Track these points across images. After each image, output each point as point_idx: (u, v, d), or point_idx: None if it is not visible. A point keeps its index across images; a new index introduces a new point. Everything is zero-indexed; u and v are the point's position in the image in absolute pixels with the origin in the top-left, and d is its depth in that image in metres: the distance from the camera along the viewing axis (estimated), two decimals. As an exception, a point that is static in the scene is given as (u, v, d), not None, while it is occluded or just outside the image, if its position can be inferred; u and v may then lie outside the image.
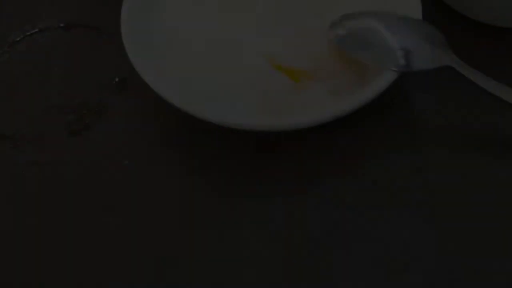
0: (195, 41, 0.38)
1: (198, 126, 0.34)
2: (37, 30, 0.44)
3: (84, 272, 0.33)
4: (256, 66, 0.36)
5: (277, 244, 0.33)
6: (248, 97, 0.35)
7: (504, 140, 0.37)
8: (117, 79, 0.41)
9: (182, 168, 0.36)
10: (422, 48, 0.34)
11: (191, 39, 0.38)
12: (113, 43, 0.39)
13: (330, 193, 0.34)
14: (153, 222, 0.34)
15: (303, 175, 0.35)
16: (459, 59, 0.34)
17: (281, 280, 0.32)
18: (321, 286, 0.31)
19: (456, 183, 0.35)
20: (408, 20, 0.35)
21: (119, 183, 0.36)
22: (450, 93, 0.38)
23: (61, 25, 0.45)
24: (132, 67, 0.35)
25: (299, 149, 0.36)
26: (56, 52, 0.43)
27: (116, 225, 0.34)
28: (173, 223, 0.34)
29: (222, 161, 0.36)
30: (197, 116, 0.32)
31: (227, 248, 0.33)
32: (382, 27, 0.35)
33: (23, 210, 0.35)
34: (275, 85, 0.35)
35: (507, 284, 0.31)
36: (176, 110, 0.34)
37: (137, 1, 0.38)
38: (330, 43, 0.35)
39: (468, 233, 0.33)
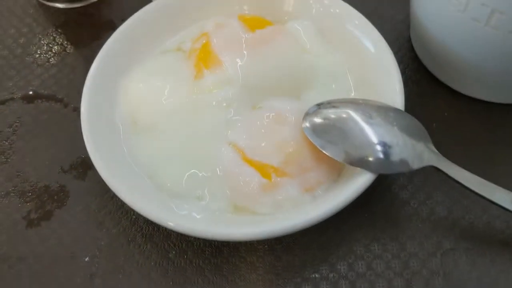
0: (161, 128, 0.35)
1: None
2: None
3: None
4: (225, 161, 0.33)
5: None
6: (215, 197, 0.32)
7: (486, 234, 0.35)
8: (80, 159, 0.38)
9: (143, 267, 0.34)
10: (402, 142, 0.32)
11: (155, 124, 0.35)
12: (78, 117, 0.36)
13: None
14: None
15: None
16: (441, 155, 0.32)
17: None
18: None
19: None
20: (387, 111, 0.33)
21: (79, 281, 0.34)
22: (435, 184, 0.36)
23: (26, 95, 0.42)
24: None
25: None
26: (19, 126, 0.41)
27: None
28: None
29: (184, 260, 0.34)
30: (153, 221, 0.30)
31: None
32: (361, 118, 0.32)
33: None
34: (246, 184, 0.32)
35: None
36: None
37: (103, 78, 0.36)
38: (303, 136, 0.32)
39: None
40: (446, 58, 0.38)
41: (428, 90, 0.41)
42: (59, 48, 0.45)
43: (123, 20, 0.46)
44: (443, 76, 0.40)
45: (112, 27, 0.46)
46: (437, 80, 0.41)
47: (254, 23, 0.38)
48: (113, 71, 0.37)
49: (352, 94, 0.37)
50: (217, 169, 0.33)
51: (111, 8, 0.47)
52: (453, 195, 0.36)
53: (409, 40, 0.43)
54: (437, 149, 0.35)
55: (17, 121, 0.41)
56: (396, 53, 0.43)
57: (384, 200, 0.36)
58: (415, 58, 0.42)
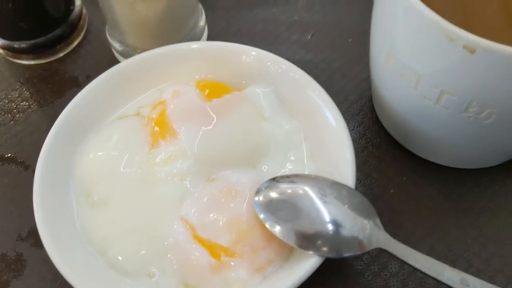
0: (114, 202, 0.35)
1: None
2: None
3: None
4: (176, 238, 0.33)
5: None
6: (166, 274, 0.33)
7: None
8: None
9: None
10: (353, 222, 0.32)
11: (109, 198, 0.35)
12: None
13: None
14: None
15: None
16: (388, 235, 0.32)
17: None
18: None
19: None
20: (341, 188, 0.33)
21: None
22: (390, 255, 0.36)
23: (-14, 156, 0.42)
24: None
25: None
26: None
27: None
28: None
29: None
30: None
31: None
32: (316, 196, 0.32)
33: None
34: (196, 263, 0.32)
35: None
36: None
37: (58, 149, 0.36)
38: (255, 213, 0.32)
39: None
40: (403, 126, 0.38)
41: (387, 153, 0.41)
42: (23, 106, 0.45)
43: (87, 76, 0.46)
44: (402, 140, 0.40)
45: (76, 83, 0.46)
46: (396, 143, 0.41)
47: (212, 90, 0.39)
48: (71, 139, 0.37)
49: (307, 164, 0.37)
50: (169, 246, 0.33)
51: (76, 64, 0.47)
52: (408, 267, 0.36)
53: (371, 100, 0.43)
54: (392, 216, 0.35)
55: (-24, 184, 0.41)
56: (358, 114, 0.43)
57: (339, 271, 0.36)
58: (376, 119, 0.43)
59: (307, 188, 0.33)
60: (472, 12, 0.31)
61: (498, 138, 0.34)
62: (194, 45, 0.40)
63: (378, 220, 0.32)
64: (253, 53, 0.39)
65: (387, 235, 0.32)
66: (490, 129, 0.32)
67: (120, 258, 0.33)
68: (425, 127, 0.36)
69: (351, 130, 0.42)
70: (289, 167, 0.37)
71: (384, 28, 0.34)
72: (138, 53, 0.42)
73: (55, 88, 0.46)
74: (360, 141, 0.42)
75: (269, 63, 0.39)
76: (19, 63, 0.47)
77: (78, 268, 0.31)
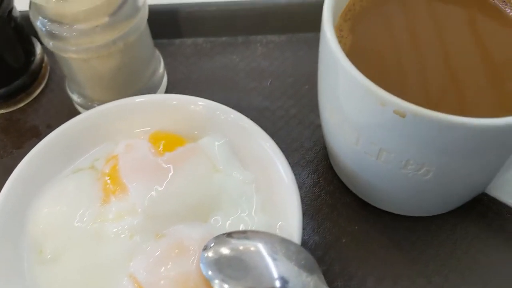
0: (65, 258, 0.35)
1: None
2: None
3: None
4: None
5: None
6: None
7: None
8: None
9: None
10: (298, 278, 0.32)
11: (60, 254, 0.35)
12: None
13: None
14: None
15: None
16: (326, 285, 0.32)
17: None
18: None
19: None
20: (289, 245, 0.33)
21: None
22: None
23: None
24: None
25: None
26: None
27: None
28: None
29: None
30: None
31: None
32: (266, 252, 0.33)
33: None
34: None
35: None
36: None
37: (11, 204, 0.36)
38: (201, 272, 0.33)
39: None
40: (353, 176, 0.39)
41: (340, 201, 0.42)
42: (-18, 157, 0.45)
43: (48, 126, 0.47)
44: (353, 188, 0.41)
45: (36, 133, 0.47)
46: (349, 191, 0.42)
47: (165, 143, 0.39)
48: (25, 194, 0.37)
49: (258, 216, 0.37)
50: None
51: (37, 113, 0.48)
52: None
53: (325, 147, 0.44)
54: (344, 265, 0.36)
55: None
56: (312, 160, 0.44)
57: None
58: (330, 166, 0.43)
59: (259, 245, 0.34)
60: (407, 78, 0.32)
61: (440, 192, 0.35)
62: (142, 98, 0.40)
63: (321, 275, 0.33)
64: (201, 103, 0.40)
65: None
66: (430, 184, 0.33)
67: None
68: (371, 179, 0.37)
69: (306, 177, 0.43)
70: (241, 219, 0.37)
71: (327, 86, 0.35)
72: (97, 104, 0.43)
73: (15, 138, 0.46)
74: (314, 189, 0.42)
75: (218, 112, 0.40)
76: (-20, 113, 0.48)
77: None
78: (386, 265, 0.38)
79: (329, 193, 0.42)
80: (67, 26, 0.38)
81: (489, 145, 0.29)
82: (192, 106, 0.40)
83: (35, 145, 0.39)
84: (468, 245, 0.39)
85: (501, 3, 0.36)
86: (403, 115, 0.28)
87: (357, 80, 0.30)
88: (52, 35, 0.39)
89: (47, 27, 0.39)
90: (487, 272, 0.38)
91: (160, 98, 0.41)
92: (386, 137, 0.31)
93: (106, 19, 0.38)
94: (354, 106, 0.32)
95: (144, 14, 0.41)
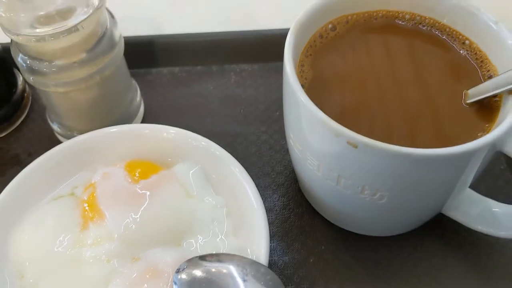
0: (46, 283, 0.37)
1: None
2: None
3: None
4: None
5: None
6: None
7: None
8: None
9: None
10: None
11: (41, 279, 0.37)
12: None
13: None
14: None
15: None
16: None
17: None
18: None
19: None
20: (259, 267, 0.36)
21: None
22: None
23: None
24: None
25: None
26: None
27: None
28: None
29: None
30: None
31: None
32: (237, 274, 0.35)
33: None
34: None
35: None
36: None
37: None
38: (174, 292, 0.35)
39: None
40: (318, 199, 0.41)
41: (308, 222, 0.44)
42: (-36, 185, 0.47)
43: (29, 154, 0.49)
44: (319, 210, 0.44)
45: (18, 162, 0.48)
46: (316, 212, 0.44)
47: (140, 171, 0.41)
48: (6, 221, 0.39)
49: (229, 239, 0.40)
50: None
51: (18, 142, 0.50)
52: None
53: (294, 171, 0.47)
54: (311, 283, 0.38)
55: None
56: (283, 184, 0.46)
57: None
58: (298, 189, 0.46)
59: (230, 267, 0.36)
60: (361, 111, 0.35)
61: (397, 214, 0.37)
62: (116, 129, 0.43)
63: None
64: (172, 132, 0.42)
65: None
66: (386, 207, 0.36)
67: None
68: (334, 203, 0.39)
69: (276, 200, 0.45)
70: (213, 243, 0.39)
71: (290, 117, 0.37)
72: (76, 133, 0.45)
73: (-3, 166, 0.48)
74: (284, 211, 0.45)
75: (189, 140, 0.42)
76: (-37, 142, 0.50)
77: None
78: (351, 283, 0.41)
79: (298, 215, 0.44)
80: (47, 62, 0.40)
81: (435, 172, 0.32)
82: (165, 134, 0.42)
83: (17, 173, 0.41)
84: (428, 263, 0.42)
85: (449, 38, 0.39)
86: (355, 146, 0.31)
87: (314, 113, 0.32)
88: (32, 71, 0.41)
89: (28, 63, 0.41)
90: (447, 288, 0.40)
91: (133, 128, 0.43)
92: (342, 166, 0.34)
93: (83, 55, 0.41)
94: (313, 136, 0.34)
95: (120, 49, 0.43)
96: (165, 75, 0.54)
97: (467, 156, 0.32)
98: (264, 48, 0.55)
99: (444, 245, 0.42)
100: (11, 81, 0.49)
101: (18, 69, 0.49)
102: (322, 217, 0.44)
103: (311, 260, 0.42)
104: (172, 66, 0.55)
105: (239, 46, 0.55)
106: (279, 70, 0.54)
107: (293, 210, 0.45)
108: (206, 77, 0.54)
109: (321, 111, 0.32)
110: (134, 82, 0.49)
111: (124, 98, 0.47)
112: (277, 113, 0.51)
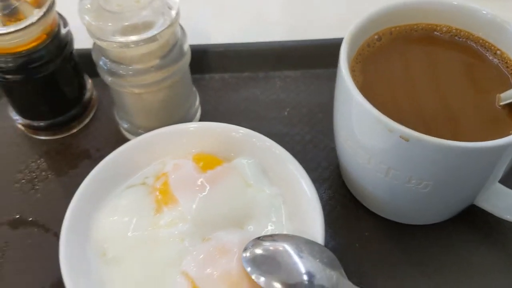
0: (126, 260, 0.42)
1: None
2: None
3: None
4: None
5: None
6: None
7: None
8: (57, 280, 0.45)
9: None
10: (322, 273, 0.39)
11: (122, 256, 0.42)
12: (58, 242, 0.43)
13: None
14: None
15: None
16: (352, 283, 0.39)
17: None
18: None
19: None
20: (313, 245, 0.41)
21: None
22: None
23: (12, 220, 0.49)
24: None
25: None
26: (6, 250, 0.47)
27: None
28: None
29: None
30: None
31: None
32: (293, 251, 0.40)
33: None
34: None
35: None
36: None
37: (79, 215, 0.43)
38: (242, 268, 0.40)
39: None
40: (363, 191, 0.46)
41: (353, 212, 0.49)
42: (42, 176, 0.52)
43: (97, 150, 0.54)
44: (363, 201, 0.49)
45: (88, 156, 0.54)
46: (360, 204, 0.49)
47: (206, 163, 0.47)
48: (88, 208, 0.44)
49: (286, 224, 0.45)
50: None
51: (87, 138, 0.55)
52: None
53: (338, 166, 0.52)
54: (357, 266, 0.42)
55: (5, 245, 0.48)
56: (328, 178, 0.51)
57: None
58: (343, 183, 0.51)
59: (287, 246, 0.41)
60: (409, 110, 0.40)
61: (436, 202, 0.42)
62: (193, 125, 0.48)
63: (342, 271, 0.40)
64: (241, 131, 0.47)
65: (349, 283, 0.39)
66: (428, 196, 0.41)
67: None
68: (380, 193, 0.44)
69: (323, 192, 0.50)
70: (271, 227, 0.44)
71: (342, 116, 0.43)
72: (142, 130, 0.50)
73: (70, 160, 0.53)
74: (330, 202, 0.50)
75: (254, 140, 0.47)
76: (37, 139, 0.55)
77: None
78: (393, 265, 0.46)
79: (343, 206, 0.50)
80: (125, 66, 0.46)
81: (474, 163, 0.37)
82: (233, 133, 0.47)
83: (87, 165, 0.47)
84: (461, 248, 0.46)
85: (482, 49, 0.44)
86: (407, 139, 0.36)
87: (369, 111, 0.37)
88: (111, 73, 0.47)
89: (108, 65, 0.46)
90: (478, 271, 0.45)
91: (208, 125, 0.48)
92: (393, 158, 0.39)
93: (157, 61, 0.46)
94: (366, 133, 0.40)
95: (187, 58, 0.49)
96: (217, 80, 0.60)
97: (500, 150, 0.37)
98: (305, 56, 0.60)
99: (476, 233, 0.47)
100: (82, 84, 0.55)
101: (88, 74, 0.55)
102: (365, 207, 0.49)
103: (357, 245, 0.47)
104: (223, 72, 0.60)
105: (283, 55, 0.60)
106: (319, 77, 0.60)
107: (339, 201, 0.50)
108: (253, 83, 0.60)
109: (376, 109, 0.37)
110: (194, 88, 0.54)
111: (187, 101, 0.52)
112: (319, 115, 0.56)
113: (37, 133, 0.55)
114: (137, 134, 0.51)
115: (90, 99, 0.56)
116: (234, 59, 0.60)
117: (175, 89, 0.49)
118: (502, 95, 0.41)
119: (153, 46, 0.44)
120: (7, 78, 0.48)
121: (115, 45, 0.44)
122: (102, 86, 0.54)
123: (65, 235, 0.42)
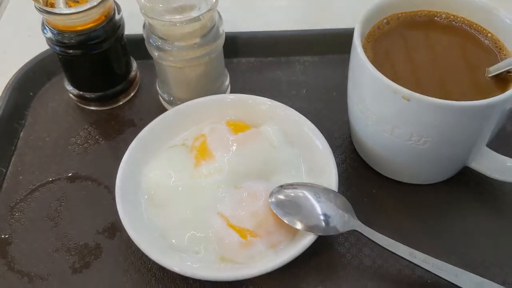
0: (171, 203, 0.50)
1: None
2: (49, 180, 0.57)
3: None
4: (215, 226, 0.48)
5: None
6: (208, 251, 0.47)
7: (398, 278, 0.49)
8: (110, 224, 0.53)
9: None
10: (337, 213, 0.47)
11: (167, 201, 0.50)
12: (110, 193, 0.51)
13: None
14: None
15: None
16: (360, 222, 0.47)
17: None
18: None
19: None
20: (329, 192, 0.48)
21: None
22: (364, 243, 0.51)
23: (69, 176, 0.57)
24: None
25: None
26: (64, 199, 0.55)
27: None
28: None
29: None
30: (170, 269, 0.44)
31: None
32: (312, 197, 0.48)
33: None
34: (230, 242, 0.47)
35: None
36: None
37: (130, 168, 0.51)
38: (269, 208, 0.47)
39: None
40: (372, 153, 0.54)
41: (362, 174, 0.57)
42: (92, 141, 0.61)
43: (141, 119, 0.62)
44: (372, 164, 0.56)
45: (133, 124, 0.62)
46: (369, 167, 0.57)
47: (237, 127, 0.55)
48: (137, 162, 0.52)
49: (305, 178, 0.52)
50: (210, 232, 0.48)
51: (132, 110, 0.63)
52: (377, 251, 0.51)
53: (350, 136, 0.60)
54: (366, 216, 0.50)
55: (63, 196, 0.56)
56: (340, 145, 0.59)
57: (328, 254, 0.51)
58: (353, 150, 0.59)
59: (306, 192, 0.48)
60: (411, 78, 0.48)
61: (433, 158, 0.50)
62: (230, 96, 0.56)
63: (353, 213, 0.48)
64: (268, 103, 0.55)
65: (359, 222, 0.47)
66: (427, 153, 0.48)
67: (175, 241, 0.48)
68: (385, 151, 0.52)
69: (336, 157, 0.57)
70: (292, 179, 0.52)
71: (355, 84, 0.51)
72: (180, 102, 0.58)
73: (117, 128, 0.62)
74: (342, 165, 0.57)
75: (278, 110, 0.55)
76: (88, 109, 0.63)
77: (148, 244, 0.46)
78: (395, 218, 0.53)
79: (354, 168, 0.57)
80: (171, 42, 0.54)
81: (466, 120, 0.45)
82: (261, 105, 0.55)
83: (133, 132, 0.55)
84: (458, 205, 0.54)
85: (476, 32, 0.52)
86: (408, 99, 0.44)
87: (378, 77, 0.45)
88: (159, 48, 0.55)
89: (156, 42, 0.55)
90: (471, 225, 0.52)
91: (241, 97, 0.56)
92: (397, 117, 0.47)
93: (198, 39, 0.54)
94: (375, 96, 0.47)
95: (222, 39, 0.57)
96: (244, 64, 0.68)
97: (485, 109, 0.44)
98: (322, 44, 0.68)
99: (469, 191, 0.55)
100: (129, 63, 0.63)
101: (133, 56, 0.63)
102: (373, 169, 0.56)
103: (365, 200, 0.54)
104: (249, 57, 0.68)
105: (303, 42, 0.68)
106: (334, 61, 0.68)
107: (350, 164, 0.58)
108: (275, 66, 0.68)
109: (384, 76, 0.45)
110: (226, 69, 0.63)
111: (220, 78, 0.60)
112: (334, 94, 0.64)
113: (88, 104, 0.63)
114: (175, 105, 0.59)
115: (135, 77, 0.64)
116: (258, 45, 0.69)
117: (211, 65, 0.57)
118: (491, 68, 0.48)
119: (195, 25, 0.53)
120: (68, 53, 0.56)
121: (163, 24, 0.52)
122: (144, 67, 0.63)
123: (120, 185, 0.49)
